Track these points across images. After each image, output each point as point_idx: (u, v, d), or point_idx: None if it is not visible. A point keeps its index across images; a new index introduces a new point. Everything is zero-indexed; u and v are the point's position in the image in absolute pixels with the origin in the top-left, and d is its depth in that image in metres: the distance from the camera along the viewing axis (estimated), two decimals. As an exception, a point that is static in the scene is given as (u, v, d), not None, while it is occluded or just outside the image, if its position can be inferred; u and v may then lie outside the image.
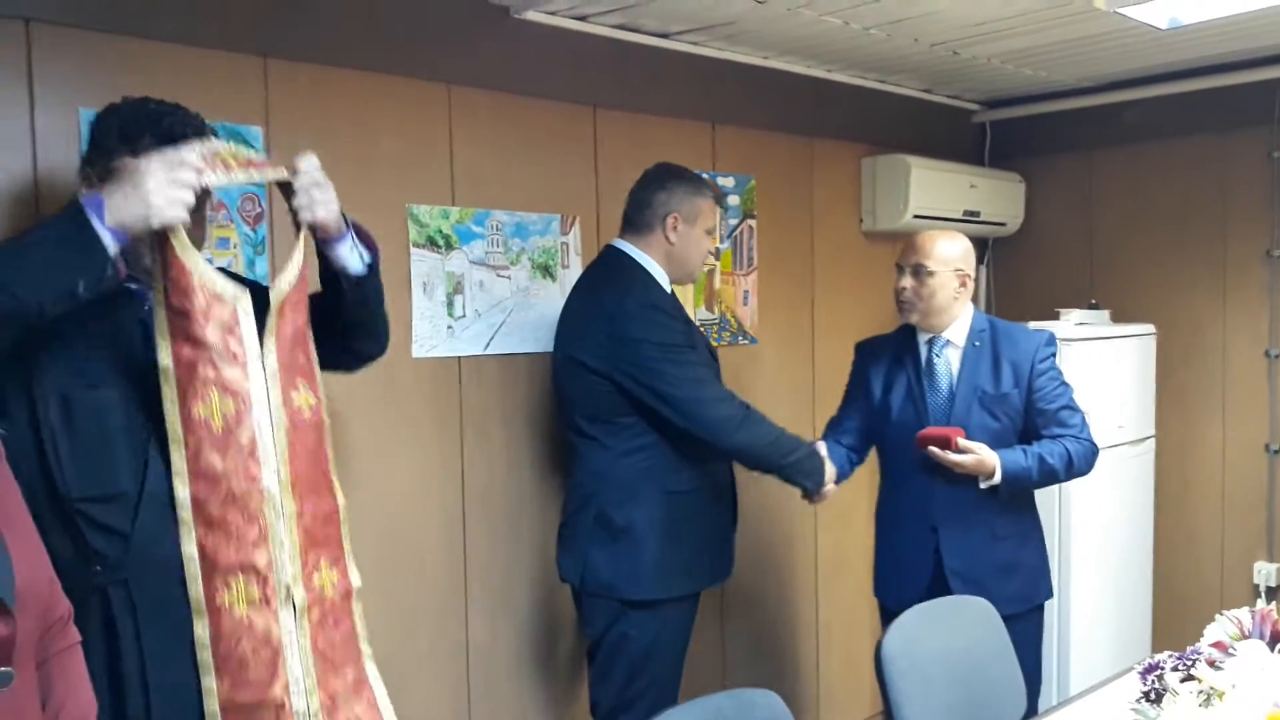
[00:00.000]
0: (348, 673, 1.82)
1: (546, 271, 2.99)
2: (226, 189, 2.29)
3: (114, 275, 1.59)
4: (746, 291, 3.57)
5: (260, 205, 2.48)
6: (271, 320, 1.75)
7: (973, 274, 2.78)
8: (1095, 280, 4.23)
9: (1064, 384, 2.76)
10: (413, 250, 2.72)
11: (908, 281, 2.72)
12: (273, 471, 1.72)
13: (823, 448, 2.75)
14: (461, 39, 2.81)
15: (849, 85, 3.82)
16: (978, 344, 2.74)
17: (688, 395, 2.47)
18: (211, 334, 1.69)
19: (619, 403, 2.50)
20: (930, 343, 2.77)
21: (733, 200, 3.50)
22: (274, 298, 1.77)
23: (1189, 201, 3.99)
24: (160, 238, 1.65)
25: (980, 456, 2.60)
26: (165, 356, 1.68)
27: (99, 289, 1.58)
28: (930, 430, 2.65)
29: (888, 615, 2.88)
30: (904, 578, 2.78)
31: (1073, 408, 2.74)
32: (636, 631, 2.51)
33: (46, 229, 1.60)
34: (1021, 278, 4.47)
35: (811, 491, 2.69)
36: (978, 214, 4.13)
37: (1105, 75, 3.88)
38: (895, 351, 2.84)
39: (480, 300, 2.86)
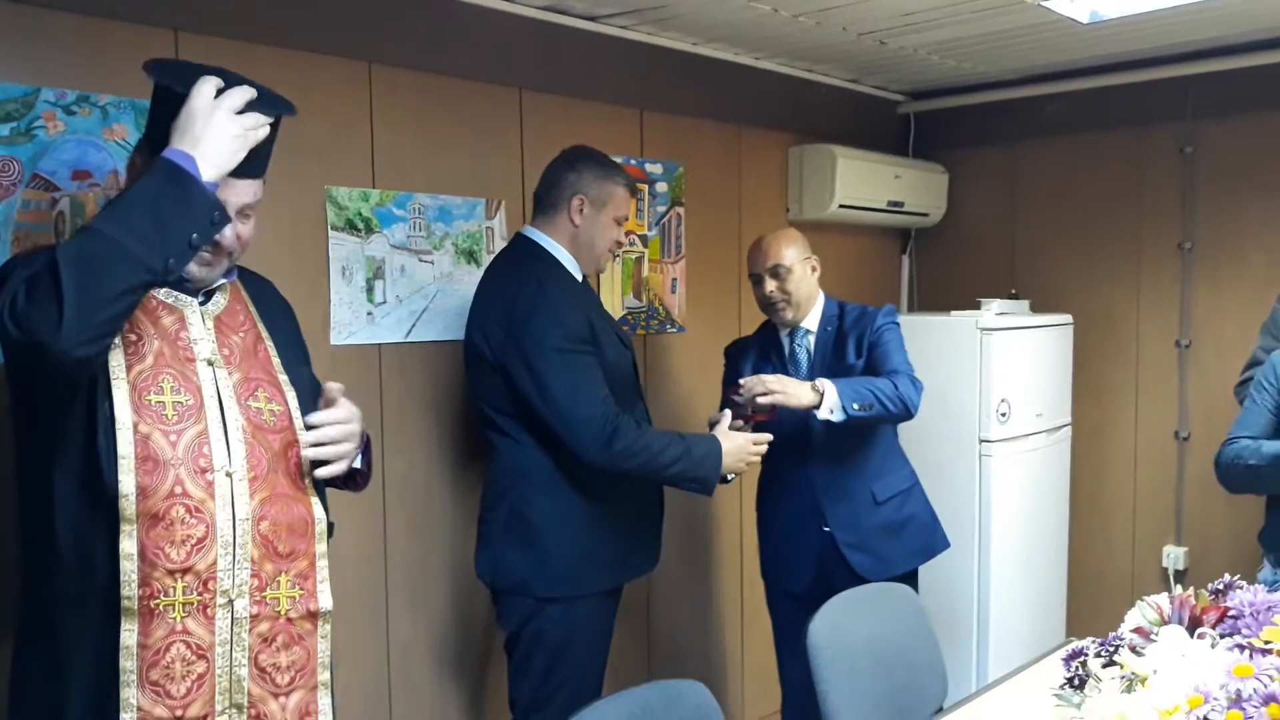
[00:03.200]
0: (292, 698, 1.71)
1: (471, 256, 2.93)
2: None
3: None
4: (674, 279, 3.55)
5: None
6: (208, 332, 1.71)
7: (816, 258, 2.89)
8: (1016, 271, 4.31)
9: (899, 346, 2.83)
10: (331, 234, 2.64)
11: (771, 285, 2.83)
12: (225, 467, 1.63)
13: (725, 418, 2.60)
14: (383, 16, 2.73)
15: (778, 74, 3.82)
16: (829, 328, 2.88)
17: (563, 398, 2.35)
18: (161, 332, 1.65)
19: (515, 397, 2.43)
20: (791, 334, 2.90)
21: (661, 188, 3.47)
22: (204, 315, 1.72)
23: (1106, 194, 4.08)
24: None
25: (781, 378, 2.62)
26: (118, 337, 1.59)
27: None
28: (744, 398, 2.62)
29: (781, 597, 2.99)
30: (798, 558, 2.88)
31: (904, 360, 2.79)
32: (551, 627, 2.45)
33: (143, 188, 1.52)
34: (943, 268, 4.52)
35: (703, 493, 2.57)
36: (902, 204, 4.17)
37: (1028, 68, 3.94)
38: (761, 347, 2.95)
39: (402, 286, 2.79)
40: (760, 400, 2.59)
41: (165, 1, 2.35)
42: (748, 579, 3.82)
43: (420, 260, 2.82)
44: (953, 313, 3.80)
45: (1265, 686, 1.29)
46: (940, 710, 2.25)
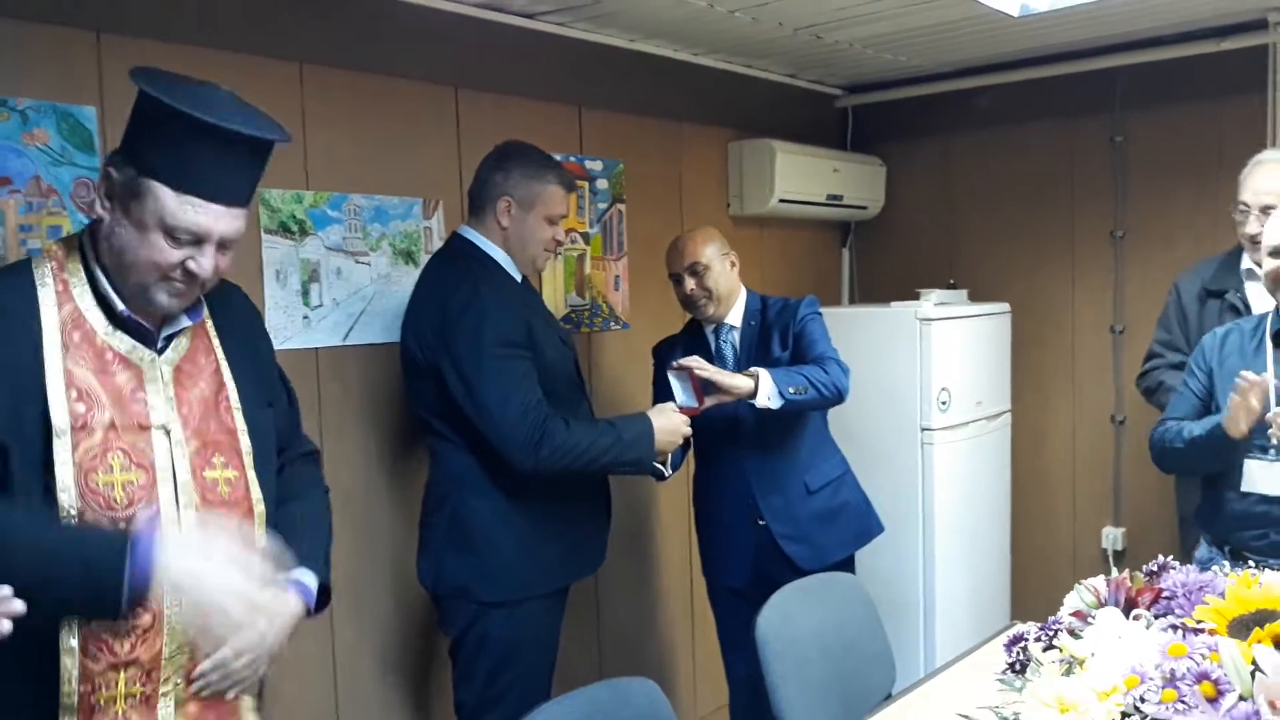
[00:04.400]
0: None
1: (409, 257, 2.89)
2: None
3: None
4: (617, 277, 3.54)
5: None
6: (167, 387, 1.58)
7: (734, 253, 2.92)
8: (953, 261, 4.36)
9: (824, 334, 2.86)
10: (264, 237, 2.59)
11: (691, 283, 2.86)
12: None
13: (670, 408, 2.58)
14: (314, 14, 2.68)
15: (715, 69, 3.83)
16: (753, 323, 2.91)
17: (493, 404, 2.30)
18: (113, 394, 1.52)
19: (448, 401, 2.38)
20: (716, 331, 2.93)
21: (601, 185, 3.46)
22: (164, 365, 1.59)
23: (1040, 184, 4.15)
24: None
25: (720, 371, 2.64)
26: (61, 412, 1.47)
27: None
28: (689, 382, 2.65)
29: (723, 593, 3.00)
30: (735, 553, 2.90)
31: (829, 347, 2.83)
32: (496, 631, 2.42)
33: (78, 558, 1.41)
34: (882, 260, 4.57)
35: (641, 474, 2.57)
36: (840, 197, 4.20)
37: (961, 61, 3.99)
38: (688, 345, 2.96)
39: (338, 289, 2.75)
40: (697, 372, 2.60)
41: (85, 2, 2.28)
42: (695, 575, 3.82)
43: (356, 262, 2.78)
44: (892, 303, 3.84)
45: (1198, 665, 1.32)
46: (889, 697, 2.27)
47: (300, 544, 1.73)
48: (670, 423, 2.53)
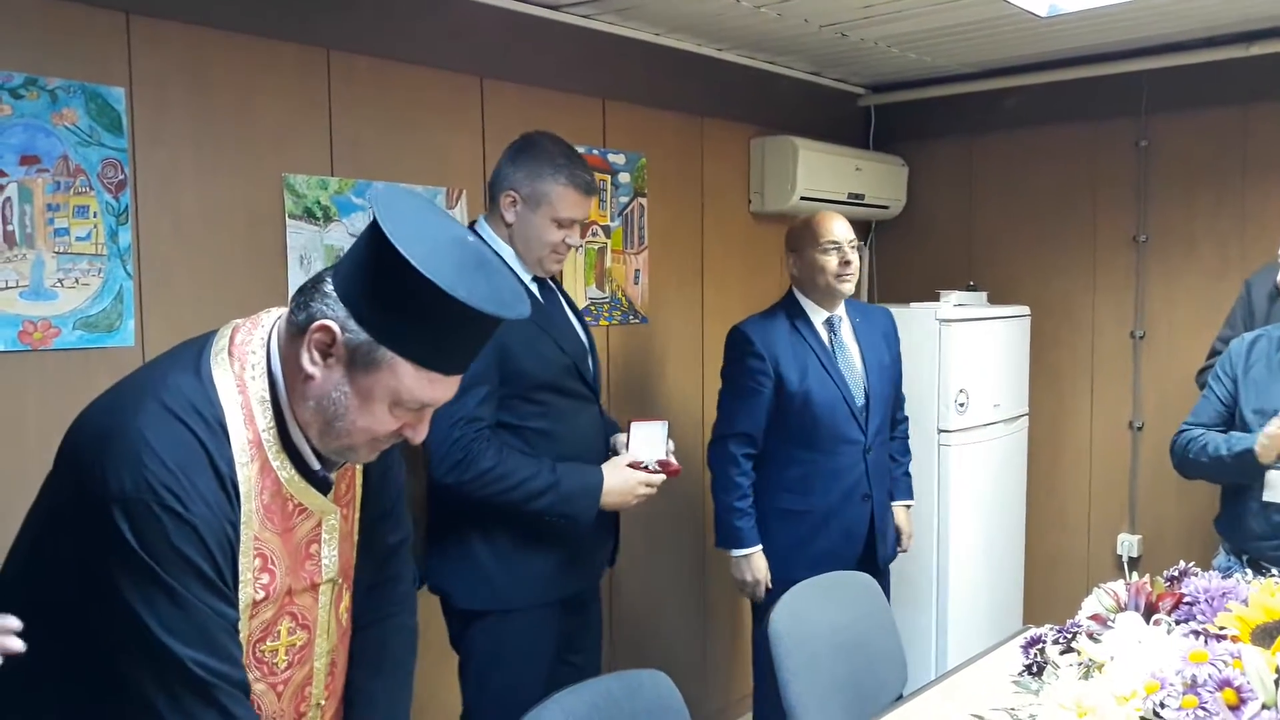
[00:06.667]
0: None
1: (431, 246, 2.89)
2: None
3: None
4: (638, 270, 3.54)
5: (123, 171, 2.32)
6: (335, 534, 1.49)
7: None
8: (973, 263, 4.35)
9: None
10: (289, 222, 2.60)
11: (851, 256, 2.86)
12: (320, 701, 1.53)
13: (625, 456, 2.39)
14: (341, 1, 2.69)
15: (739, 65, 3.82)
16: (857, 320, 2.95)
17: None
18: (291, 553, 1.42)
19: None
20: (829, 322, 2.92)
21: (624, 178, 3.46)
22: (329, 510, 1.46)
23: (1062, 187, 4.12)
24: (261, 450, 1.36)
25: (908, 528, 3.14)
26: (248, 590, 1.36)
27: None
28: None
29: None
30: (842, 546, 2.89)
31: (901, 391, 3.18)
32: (482, 638, 2.31)
33: None
34: (903, 260, 4.55)
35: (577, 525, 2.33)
36: (862, 196, 4.18)
37: (986, 62, 3.97)
38: (791, 327, 2.90)
39: (362, 275, 2.74)
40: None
41: (116, -17, 2.30)
42: (708, 567, 3.83)
43: (380, 250, 2.78)
44: (912, 304, 3.82)
45: (1220, 672, 1.31)
46: (900, 697, 2.27)
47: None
48: (625, 482, 2.33)
